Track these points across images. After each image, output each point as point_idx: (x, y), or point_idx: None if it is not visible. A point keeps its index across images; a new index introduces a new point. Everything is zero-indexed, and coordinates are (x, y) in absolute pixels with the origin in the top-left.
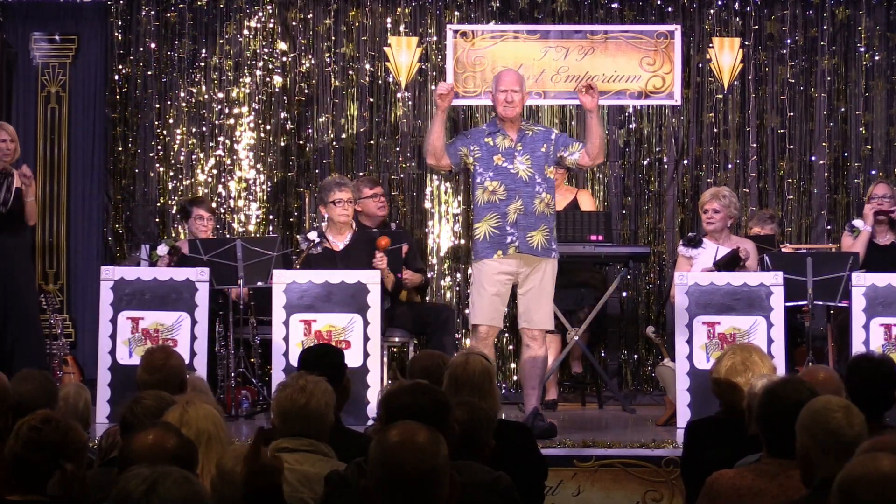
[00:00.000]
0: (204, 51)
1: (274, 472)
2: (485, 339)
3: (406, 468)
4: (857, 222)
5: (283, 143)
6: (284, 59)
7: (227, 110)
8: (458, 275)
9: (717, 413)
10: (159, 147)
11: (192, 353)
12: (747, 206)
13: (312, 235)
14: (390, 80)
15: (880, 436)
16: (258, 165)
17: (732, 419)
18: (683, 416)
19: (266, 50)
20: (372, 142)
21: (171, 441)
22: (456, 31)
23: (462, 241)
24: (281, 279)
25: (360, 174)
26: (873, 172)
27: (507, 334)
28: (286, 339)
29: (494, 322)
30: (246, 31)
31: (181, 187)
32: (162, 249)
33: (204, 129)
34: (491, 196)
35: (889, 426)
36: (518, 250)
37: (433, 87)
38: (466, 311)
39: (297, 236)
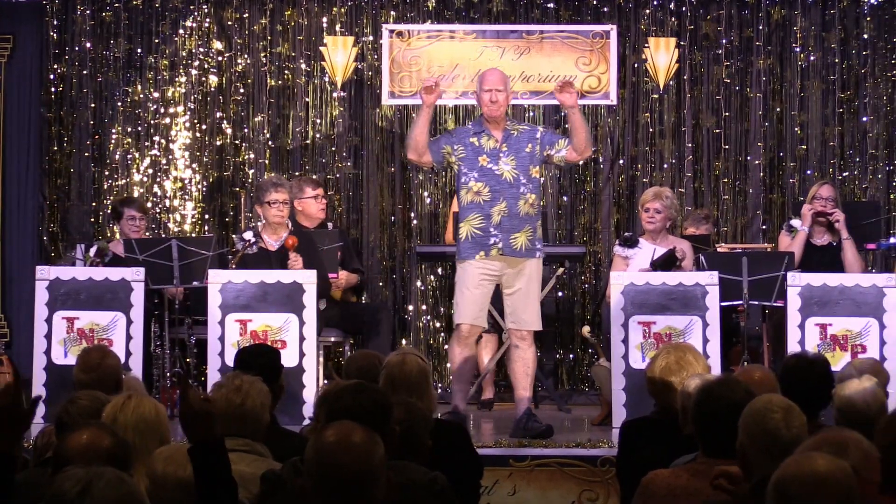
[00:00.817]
0: (139, 50)
1: (209, 417)
2: (466, 339)
3: (342, 468)
4: (795, 222)
5: (218, 143)
6: (220, 58)
7: (162, 110)
8: (394, 274)
9: (653, 413)
10: (94, 147)
11: (128, 353)
12: (683, 205)
13: (248, 235)
14: (326, 79)
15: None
16: (194, 165)
17: (667, 419)
18: (619, 415)
19: (202, 49)
20: (308, 141)
21: (105, 441)
22: (392, 31)
23: (398, 240)
24: (217, 279)
25: (297, 174)
26: (809, 172)
27: (442, 334)
28: (222, 338)
29: (478, 322)
30: (181, 31)
31: (116, 187)
32: (92, 250)
33: (139, 128)
34: (475, 197)
35: (824, 425)
36: (501, 252)
37: (369, 87)
38: (411, 308)
39: (233, 236)
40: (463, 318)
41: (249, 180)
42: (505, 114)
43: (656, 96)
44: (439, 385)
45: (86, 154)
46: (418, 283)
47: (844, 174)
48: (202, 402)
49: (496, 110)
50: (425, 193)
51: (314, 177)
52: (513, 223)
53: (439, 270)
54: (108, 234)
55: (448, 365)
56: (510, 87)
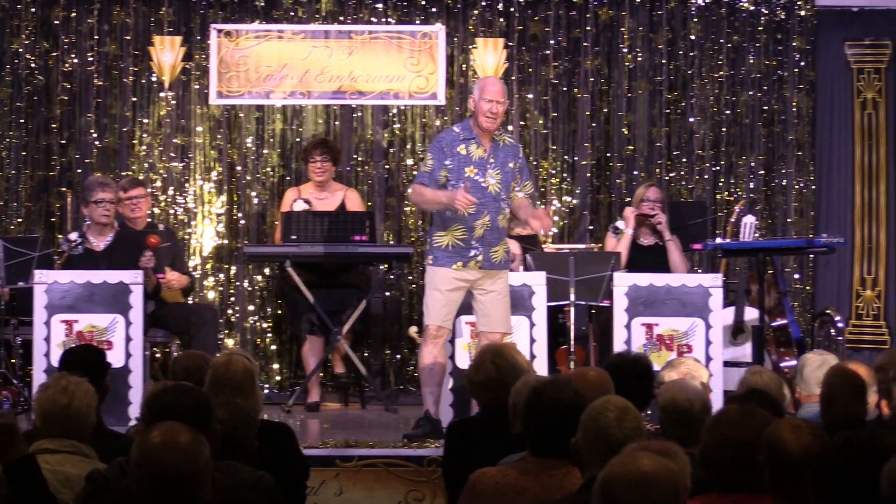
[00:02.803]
0: None
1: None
2: (435, 339)
3: (167, 469)
4: (620, 223)
5: (45, 143)
6: (47, 57)
7: None
8: (222, 275)
9: (478, 413)
10: None
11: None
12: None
13: (73, 236)
14: (153, 79)
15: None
16: (20, 165)
17: (493, 419)
18: (446, 415)
19: (29, 48)
20: (135, 141)
21: None
22: (220, 31)
23: (226, 241)
24: (42, 279)
25: (124, 174)
26: (636, 173)
27: (269, 334)
28: (47, 339)
29: (446, 324)
30: (7, 30)
31: None
32: None
33: None
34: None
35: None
36: (480, 266)
37: (196, 87)
38: (238, 309)
39: (59, 237)
40: (432, 319)
41: (76, 180)
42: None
43: None
44: (266, 386)
45: None
46: (245, 284)
47: (671, 175)
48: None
49: (494, 124)
50: (253, 194)
51: (140, 177)
52: (493, 236)
53: (266, 271)
54: None
55: (275, 366)
56: (505, 99)
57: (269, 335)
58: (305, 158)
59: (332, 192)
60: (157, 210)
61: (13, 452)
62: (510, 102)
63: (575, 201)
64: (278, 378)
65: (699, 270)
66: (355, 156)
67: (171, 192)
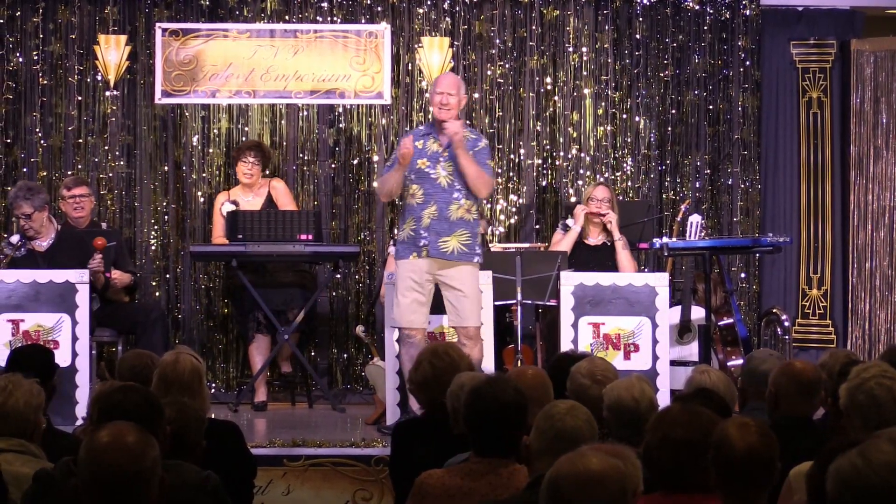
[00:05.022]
0: None
1: None
2: (409, 340)
3: (114, 469)
4: (570, 221)
5: None
6: None
7: None
8: (168, 274)
9: (423, 413)
10: None
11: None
12: None
13: (14, 239)
14: (99, 78)
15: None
16: None
17: (436, 419)
18: (393, 415)
19: None
20: (80, 140)
21: None
22: (165, 30)
23: (172, 240)
24: None
25: (69, 173)
26: (582, 172)
27: (217, 334)
28: None
29: (414, 324)
30: None
31: None
32: None
33: None
34: (411, 199)
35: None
36: (429, 254)
37: (142, 85)
38: (184, 308)
39: (6, 235)
40: (396, 323)
41: (22, 180)
42: (457, 118)
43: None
44: (213, 385)
45: None
46: (192, 283)
47: (617, 174)
48: None
49: (446, 114)
50: (199, 193)
51: (76, 176)
52: (442, 227)
53: (213, 270)
54: None
55: (222, 365)
56: (463, 92)
57: (217, 335)
58: (236, 158)
59: (256, 190)
60: (102, 209)
61: None
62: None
63: (521, 200)
64: (225, 377)
65: (646, 270)
66: (301, 155)
67: (116, 192)
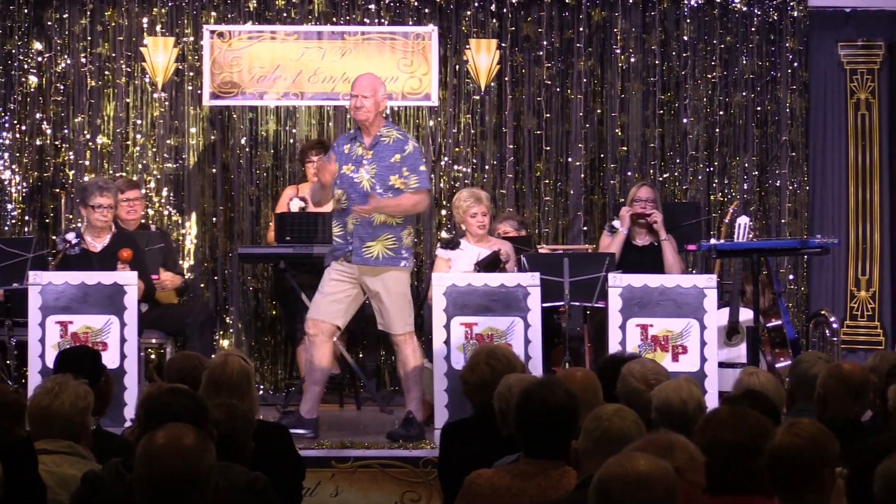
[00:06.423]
0: None
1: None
2: (313, 336)
3: (169, 470)
4: (617, 223)
5: (38, 144)
6: (40, 58)
7: None
8: (216, 276)
9: (472, 414)
10: None
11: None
12: (504, 206)
13: (70, 236)
14: (147, 80)
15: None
16: (13, 166)
17: (487, 420)
18: (441, 417)
19: (21, 50)
20: (129, 142)
21: None
22: (213, 32)
23: (220, 242)
24: (37, 280)
25: (118, 175)
26: (629, 174)
27: (267, 337)
28: (42, 340)
29: (323, 317)
30: (1, 31)
31: None
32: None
33: None
34: (337, 204)
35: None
36: (350, 260)
37: (190, 88)
38: (233, 310)
39: (54, 238)
40: (310, 314)
41: (70, 181)
42: (383, 118)
43: (477, 97)
44: (261, 387)
45: None
46: (241, 285)
47: (665, 175)
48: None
49: (360, 115)
50: (247, 194)
51: (127, 178)
52: (365, 232)
53: (265, 273)
54: None
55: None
56: (381, 93)
57: (265, 336)
58: (302, 159)
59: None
60: (150, 211)
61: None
62: (505, 103)
63: (569, 202)
64: (274, 379)
65: (694, 271)
66: None
67: (164, 193)
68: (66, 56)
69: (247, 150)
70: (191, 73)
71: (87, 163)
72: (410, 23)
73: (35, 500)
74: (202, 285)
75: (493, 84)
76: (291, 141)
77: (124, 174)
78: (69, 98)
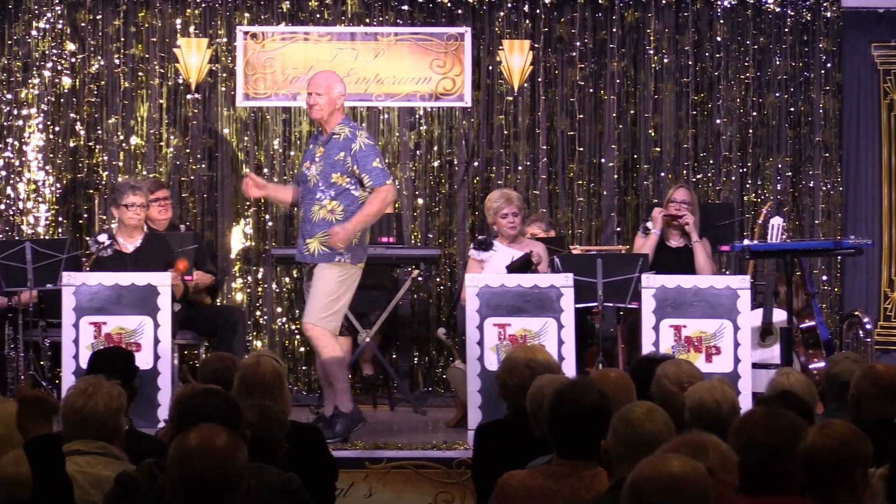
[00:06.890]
0: None
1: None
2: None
3: (202, 472)
4: (650, 224)
5: (72, 145)
6: (74, 59)
7: (15, 111)
8: (249, 277)
9: (507, 415)
10: None
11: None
12: (537, 208)
13: (102, 238)
14: (180, 81)
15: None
16: (47, 167)
17: (521, 421)
18: (475, 417)
19: (55, 51)
20: (162, 143)
21: None
22: (246, 33)
23: (252, 244)
24: (70, 281)
25: (151, 176)
26: (662, 175)
27: (298, 337)
28: (76, 341)
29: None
30: (34, 32)
31: None
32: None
33: None
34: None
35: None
36: (296, 258)
37: (223, 89)
38: (266, 310)
39: (87, 239)
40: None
41: (103, 182)
42: (342, 114)
43: (511, 98)
44: (294, 388)
45: None
46: (273, 286)
47: (698, 176)
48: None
49: (313, 113)
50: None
51: (156, 179)
52: (306, 228)
53: (294, 273)
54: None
55: (304, 368)
56: (337, 90)
57: (298, 337)
58: None
59: None
60: (183, 212)
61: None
62: (538, 104)
63: (602, 203)
64: (307, 380)
65: (727, 272)
66: None
67: (197, 195)
68: (99, 57)
69: (280, 151)
70: (224, 75)
71: (120, 164)
72: (443, 24)
73: (62, 497)
74: (235, 286)
75: (526, 85)
76: None
77: (157, 175)
78: (103, 99)
